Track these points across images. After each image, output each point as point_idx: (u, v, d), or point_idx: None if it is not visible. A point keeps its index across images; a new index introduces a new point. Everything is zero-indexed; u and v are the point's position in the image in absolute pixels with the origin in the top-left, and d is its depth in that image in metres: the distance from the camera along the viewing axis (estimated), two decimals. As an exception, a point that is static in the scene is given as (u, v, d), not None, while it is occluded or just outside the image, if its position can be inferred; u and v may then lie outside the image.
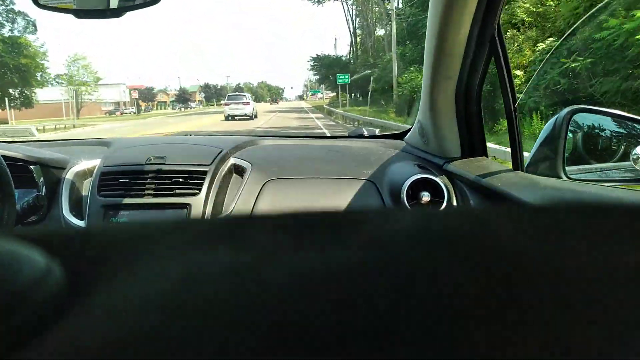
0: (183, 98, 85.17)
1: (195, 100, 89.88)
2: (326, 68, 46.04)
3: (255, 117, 25.54)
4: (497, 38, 1.15)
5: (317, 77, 54.20)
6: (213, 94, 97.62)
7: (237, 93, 32.56)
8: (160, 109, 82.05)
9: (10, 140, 2.16)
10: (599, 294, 0.21)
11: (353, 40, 47.87)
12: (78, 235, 0.31)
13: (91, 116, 48.94)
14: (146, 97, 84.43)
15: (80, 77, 46.51)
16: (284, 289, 0.22)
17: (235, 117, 24.77)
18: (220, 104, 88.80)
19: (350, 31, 47.54)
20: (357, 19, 46.37)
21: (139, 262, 0.25)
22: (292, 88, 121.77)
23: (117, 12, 1.08)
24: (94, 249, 0.28)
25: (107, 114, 59.85)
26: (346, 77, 29.16)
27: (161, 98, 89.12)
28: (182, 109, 71.59)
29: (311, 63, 48.35)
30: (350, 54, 49.91)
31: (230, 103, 25.70)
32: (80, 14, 1.09)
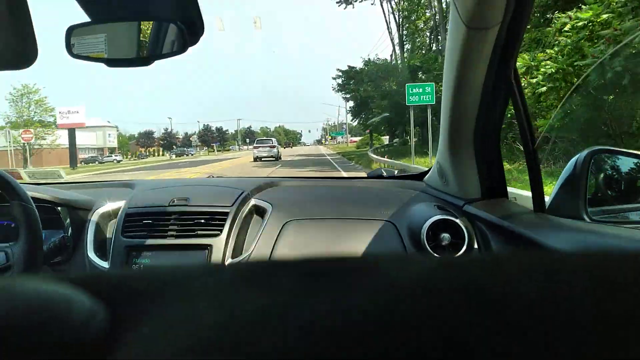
0: (169, 142, 78.80)
1: (192, 146, 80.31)
2: (373, 82, 30.89)
3: (280, 158, 28.80)
4: (513, 80, 1.17)
5: (350, 104, 39.19)
6: (215, 138, 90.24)
7: (265, 138, 36.90)
8: (158, 155, 76.35)
9: (40, 182, 2.24)
10: (622, 342, 0.21)
11: (396, 51, 36.26)
12: (115, 278, 0.33)
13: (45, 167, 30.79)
14: (144, 142, 79.25)
15: (30, 116, 37.07)
16: (305, 333, 0.23)
17: (263, 159, 27.92)
18: (228, 150, 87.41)
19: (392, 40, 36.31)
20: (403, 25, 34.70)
21: (172, 305, 0.27)
22: (309, 132, 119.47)
23: (146, 61, 1.13)
24: (130, 291, 0.29)
25: (82, 163, 50.16)
26: (427, 89, 13.97)
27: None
28: (174, 156, 63.80)
29: (339, 81, 36.53)
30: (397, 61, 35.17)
31: (259, 146, 29.47)
32: (112, 62, 1.14)
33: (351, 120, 43.28)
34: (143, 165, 37.53)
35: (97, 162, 52.12)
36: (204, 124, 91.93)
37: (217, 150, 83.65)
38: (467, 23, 1.04)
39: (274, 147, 29.18)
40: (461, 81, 1.19)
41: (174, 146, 77.45)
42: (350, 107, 38.74)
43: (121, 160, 55.93)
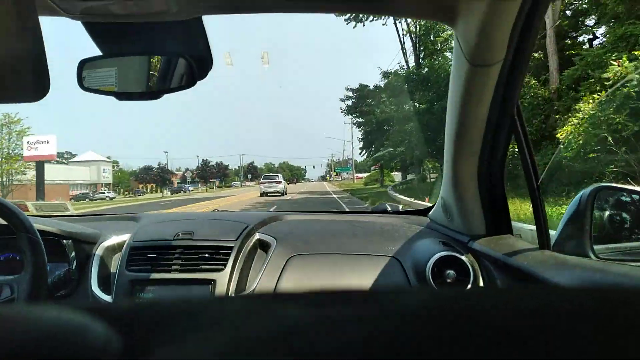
0: (163, 178, 72.99)
1: (188, 182, 77.65)
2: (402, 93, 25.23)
3: (285, 193, 29.40)
4: (516, 117, 1.18)
5: (359, 134, 33.16)
6: (215, 174, 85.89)
7: (271, 174, 37.06)
8: (155, 191, 71.23)
9: (46, 214, 2.25)
10: None
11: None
12: (127, 309, 0.33)
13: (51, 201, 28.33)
14: (143, 178, 74.65)
15: (11, 149, 34.27)
16: None
17: (269, 194, 28.48)
18: (229, 186, 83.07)
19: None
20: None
21: (182, 335, 0.27)
22: (313, 167, 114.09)
23: (155, 95, 1.16)
24: (141, 321, 0.30)
25: (72, 200, 44.25)
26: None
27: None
28: (169, 193, 60.00)
29: (349, 102, 31.82)
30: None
31: (266, 182, 30.27)
32: (122, 96, 1.16)
33: (360, 154, 35.60)
34: (127, 204, 33.35)
35: (87, 199, 48.68)
36: (202, 159, 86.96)
37: (218, 187, 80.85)
38: (470, 60, 1.06)
39: (280, 182, 29.98)
40: (464, 117, 1.21)
41: (167, 182, 72.93)
42: (360, 135, 32.63)
43: (114, 197, 52.51)
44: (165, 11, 0.91)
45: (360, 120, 32.25)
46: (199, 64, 1.09)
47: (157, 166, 75.07)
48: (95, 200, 48.29)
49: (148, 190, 73.77)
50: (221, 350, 0.26)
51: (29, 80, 0.58)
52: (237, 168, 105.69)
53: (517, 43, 1.02)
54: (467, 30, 1.03)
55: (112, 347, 0.26)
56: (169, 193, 60.38)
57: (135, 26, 1.03)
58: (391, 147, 26.93)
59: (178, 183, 78.72)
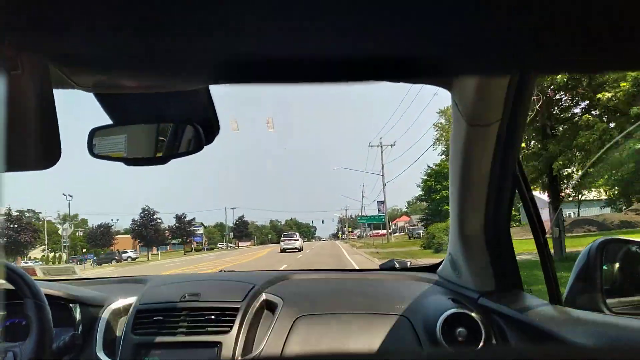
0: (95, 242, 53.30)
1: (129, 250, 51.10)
2: None
3: (301, 249, 33.51)
4: (518, 173, 1.20)
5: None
6: (189, 232, 61.95)
7: (290, 232, 43.20)
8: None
9: (54, 278, 2.24)
10: None
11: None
12: None
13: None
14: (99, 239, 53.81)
15: None
16: None
17: (287, 250, 32.63)
18: (211, 249, 65.74)
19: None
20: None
21: None
22: (323, 222, 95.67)
23: (162, 160, 1.18)
24: None
25: (94, 264, 40.11)
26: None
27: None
28: (98, 264, 41.15)
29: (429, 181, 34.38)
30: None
31: (285, 240, 35.67)
32: (130, 162, 1.19)
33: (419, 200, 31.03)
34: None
35: (113, 261, 42.67)
36: (176, 214, 61.91)
37: (196, 250, 63.31)
38: (469, 121, 1.09)
39: (297, 240, 35.38)
40: (466, 176, 1.22)
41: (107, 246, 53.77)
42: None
43: (136, 258, 47.14)
44: (173, 83, 0.95)
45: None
46: (206, 130, 1.12)
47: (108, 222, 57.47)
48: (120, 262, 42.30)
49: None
50: None
51: (41, 149, 0.60)
52: (229, 225, 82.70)
53: (513, 103, 1.05)
54: (464, 93, 1.06)
55: None
56: (91, 264, 42.14)
57: (145, 96, 1.07)
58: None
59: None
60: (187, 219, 61.81)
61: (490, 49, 0.25)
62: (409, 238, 37.43)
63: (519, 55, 0.25)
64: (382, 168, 36.76)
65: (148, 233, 52.91)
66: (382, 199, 39.30)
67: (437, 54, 0.25)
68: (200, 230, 69.21)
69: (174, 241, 63.75)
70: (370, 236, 54.75)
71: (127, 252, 47.74)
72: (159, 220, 55.83)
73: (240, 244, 79.35)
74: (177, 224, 61.05)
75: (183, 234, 60.69)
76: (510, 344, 1.25)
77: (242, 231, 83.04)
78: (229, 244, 74.42)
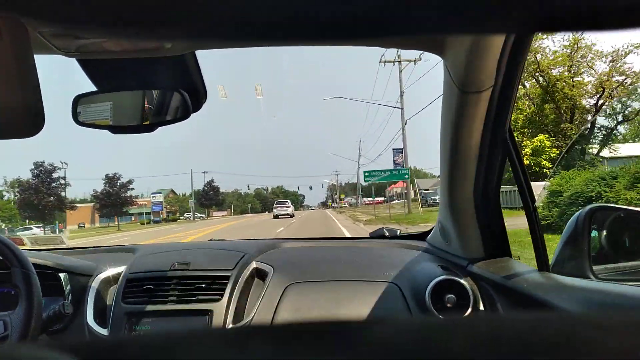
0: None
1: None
2: None
3: (293, 216, 35.40)
4: (509, 140, 1.19)
5: None
6: (117, 200, 46.57)
7: (282, 200, 45.73)
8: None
9: (42, 248, 2.23)
10: None
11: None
12: (115, 345, 0.32)
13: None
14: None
15: None
16: None
17: (280, 216, 34.89)
18: (174, 219, 55.48)
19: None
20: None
21: None
22: (310, 189, 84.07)
23: (149, 128, 1.16)
24: (129, 358, 0.29)
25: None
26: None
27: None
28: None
29: None
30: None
31: (278, 207, 38.13)
32: (117, 129, 1.17)
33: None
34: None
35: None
36: (106, 175, 48.31)
37: (154, 222, 52.64)
38: (461, 87, 1.07)
39: (289, 207, 37.82)
40: (457, 143, 1.21)
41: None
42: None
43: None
44: (159, 47, 0.92)
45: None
46: (193, 97, 1.10)
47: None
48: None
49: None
50: None
51: (24, 116, 0.58)
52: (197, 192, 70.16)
53: (506, 69, 1.04)
54: (456, 59, 1.05)
55: None
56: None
57: (130, 62, 1.04)
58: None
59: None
60: (123, 180, 48.21)
61: (484, 7, 0.25)
62: (423, 206, 27.72)
63: (514, 12, 0.25)
64: (401, 96, 23.52)
65: (112, 201, 46.36)
66: (401, 147, 25.93)
67: (430, 14, 0.25)
68: (159, 198, 56.26)
69: (131, 210, 52.60)
70: (366, 204, 50.09)
71: (31, 228, 37.84)
72: (129, 187, 48.03)
73: (215, 213, 69.98)
74: (107, 189, 47.43)
75: (115, 201, 47.30)
76: (499, 310, 1.27)
77: (212, 198, 68.41)
78: (199, 214, 63.70)
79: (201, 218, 60.72)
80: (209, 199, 68.07)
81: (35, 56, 0.58)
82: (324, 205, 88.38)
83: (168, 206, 66.45)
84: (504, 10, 0.25)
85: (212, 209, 70.82)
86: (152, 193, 57.30)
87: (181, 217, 63.41)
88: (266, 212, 69.76)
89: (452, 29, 0.36)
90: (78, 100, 1.09)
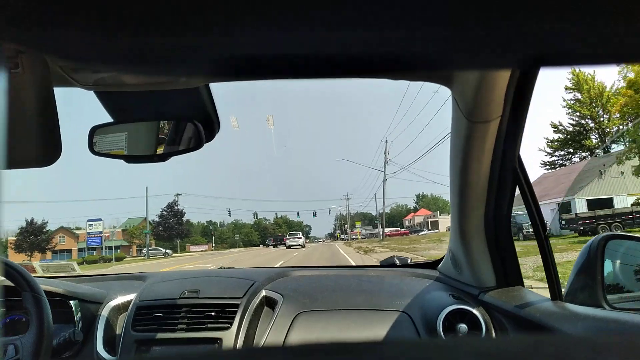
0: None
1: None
2: None
3: (304, 246, 37.86)
4: (519, 169, 1.20)
5: None
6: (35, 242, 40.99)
7: (294, 231, 47.84)
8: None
9: (53, 275, 2.25)
10: None
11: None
12: None
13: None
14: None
15: None
16: None
17: (292, 247, 36.89)
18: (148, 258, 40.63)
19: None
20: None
21: None
22: (314, 215, 67.55)
23: (162, 157, 1.18)
24: None
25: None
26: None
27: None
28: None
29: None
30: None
31: (290, 238, 40.34)
32: (131, 159, 1.19)
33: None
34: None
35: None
36: (26, 219, 42.71)
37: (87, 261, 37.80)
38: (469, 117, 1.09)
39: (300, 238, 40.28)
40: (467, 172, 1.22)
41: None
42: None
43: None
44: (174, 80, 0.95)
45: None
46: (206, 128, 1.12)
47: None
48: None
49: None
50: None
51: (41, 147, 0.60)
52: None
53: (514, 99, 1.05)
54: (464, 90, 1.06)
55: None
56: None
57: (145, 94, 1.07)
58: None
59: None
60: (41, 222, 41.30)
61: (490, 44, 0.25)
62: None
63: (520, 49, 0.26)
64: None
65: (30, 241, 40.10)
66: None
67: (437, 50, 0.25)
68: (97, 227, 42.04)
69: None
70: (388, 235, 46.02)
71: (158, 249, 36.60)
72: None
73: (193, 248, 56.55)
74: (25, 228, 41.23)
75: (33, 244, 40.41)
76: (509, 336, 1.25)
77: (172, 228, 49.76)
78: (163, 250, 45.51)
79: (166, 255, 44.11)
80: (168, 229, 49.80)
81: (55, 89, 0.61)
82: (332, 237, 77.78)
83: (131, 238, 53.09)
84: (508, 48, 0.26)
85: (188, 243, 58.15)
86: (89, 220, 42.79)
87: (139, 255, 48.18)
88: (261, 245, 63.09)
89: (458, 65, 0.37)
90: (94, 131, 1.12)
